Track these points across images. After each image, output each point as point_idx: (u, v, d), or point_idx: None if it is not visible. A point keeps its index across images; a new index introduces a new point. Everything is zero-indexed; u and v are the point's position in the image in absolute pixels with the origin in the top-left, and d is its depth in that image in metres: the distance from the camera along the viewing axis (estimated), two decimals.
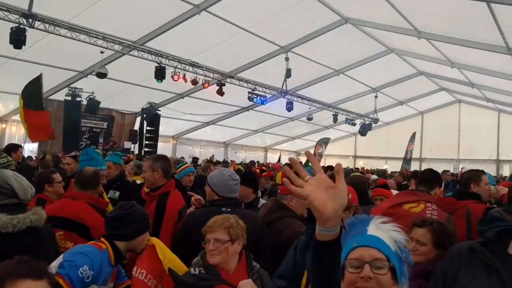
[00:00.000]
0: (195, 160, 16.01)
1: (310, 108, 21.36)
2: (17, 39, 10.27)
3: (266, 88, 17.90)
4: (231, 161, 18.57)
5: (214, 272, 2.53)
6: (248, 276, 2.55)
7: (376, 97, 21.81)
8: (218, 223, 2.59)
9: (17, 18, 10.28)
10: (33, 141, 8.46)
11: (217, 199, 3.49)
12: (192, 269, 2.60)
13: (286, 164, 3.39)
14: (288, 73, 15.71)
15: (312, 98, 20.22)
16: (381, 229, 1.68)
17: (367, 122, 24.50)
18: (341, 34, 14.65)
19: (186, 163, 7.56)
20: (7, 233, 2.56)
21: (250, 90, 17.39)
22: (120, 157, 6.34)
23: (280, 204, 3.70)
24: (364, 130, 24.36)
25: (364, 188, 5.06)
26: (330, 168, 10.20)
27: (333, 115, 22.24)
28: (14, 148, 7.02)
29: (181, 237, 3.50)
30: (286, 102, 18.84)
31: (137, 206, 2.82)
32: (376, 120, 24.55)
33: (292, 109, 19.30)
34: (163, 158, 3.99)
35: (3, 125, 17.51)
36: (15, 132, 17.23)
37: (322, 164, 21.11)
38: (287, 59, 15.50)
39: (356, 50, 16.63)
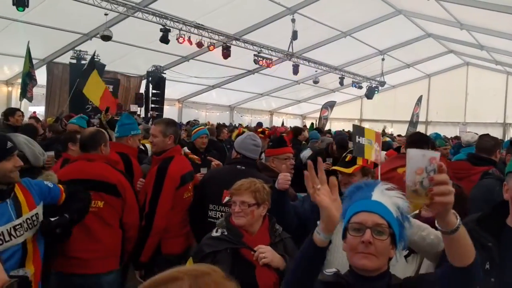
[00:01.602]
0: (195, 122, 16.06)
1: (316, 71, 21.17)
2: (20, 1, 10.14)
3: (272, 50, 17.71)
4: (239, 124, 18.62)
5: (237, 234, 2.59)
6: (271, 239, 2.63)
7: (383, 59, 21.53)
8: (244, 186, 2.65)
9: None
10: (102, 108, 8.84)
11: (234, 158, 3.63)
12: (214, 231, 2.67)
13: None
14: (294, 35, 15.50)
15: (318, 61, 20.02)
16: (385, 195, 1.75)
17: (373, 85, 24.29)
18: None
19: (199, 125, 7.56)
20: None
21: (255, 53, 17.22)
22: (86, 120, 6.23)
23: (264, 165, 3.94)
24: (370, 93, 24.19)
25: None
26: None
27: (339, 78, 22.06)
28: (11, 112, 7.10)
29: (198, 191, 3.68)
30: (292, 65, 18.70)
31: None
32: (382, 83, 24.33)
33: (298, 72, 19.15)
34: (174, 123, 4.00)
35: (9, 88, 17.54)
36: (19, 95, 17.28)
37: (327, 127, 21.13)
38: (293, 20, 15.25)
39: (364, 12, 16.31)
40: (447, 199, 1.41)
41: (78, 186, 3.05)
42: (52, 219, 2.64)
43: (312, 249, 1.61)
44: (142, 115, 18.43)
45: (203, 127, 6.57)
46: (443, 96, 26.32)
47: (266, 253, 2.49)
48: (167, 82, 19.21)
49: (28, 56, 10.78)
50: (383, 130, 20.73)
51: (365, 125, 29.36)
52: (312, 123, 16.90)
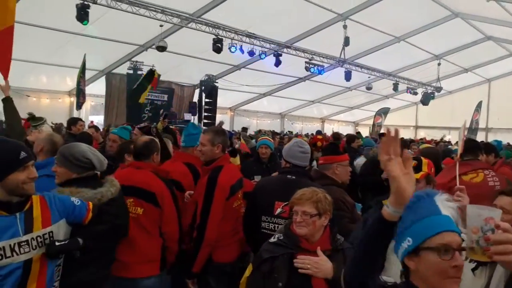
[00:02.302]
0: (244, 129, 16.19)
1: (369, 77, 20.81)
2: (82, 14, 10.72)
3: (323, 57, 17.59)
4: (288, 131, 18.53)
5: (294, 240, 2.58)
6: (331, 246, 2.61)
7: (439, 64, 20.81)
8: (306, 196, 2.62)
9: None
10: None
11: (284, 167, 3.59)
12: (272, 237, 2.68)
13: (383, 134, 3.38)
14: (346, 42, 15.31)
15: (371, 67, 19.67)
16: (447, 207, 1.65)
17: (429, 91, 23.54)
18: None
19: (265, 134, 7.50)
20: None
21: (307, 60, 17.17)
22: (129, 131, 6.13)
23: (320, 174, 3.83)
24: (426, 99, 23.44)
25: (438, 161, 4.86)
26: (382, 135, 9.92)
27: (393, 84, 21.56)
28: (73, 122, 7.40)
29: (250, 201, 3.67)
30: (344, 71, 18.48)
31: (1, 141, 2.34)
32: (439, 89, 23.50)
33: (350, 79, 18.88)
34: (223, 132, 3.96)
35: (72, 99, 18.45)
36: (83, 105, 18.11)
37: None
38: (345, 27, 15.08)
39: (418, 16, 15.88)
40: (508, 258, 1.35)
41: (109, 207, 2.86)
42: (58, 243, 2.41)
43: (381, 223, 1.55)
44: (196, 123, 18.79)
45: (266, 137, 6.48)
46: (505, 101, 24.96)
47: (306, 263, 2.48)
48: (219, 90, 19.52)
49: (82, 67, 11.29)
50: (441, 138, 20.01)
51: (421, 132, 28.58)
52: (359, 132, 16.61)
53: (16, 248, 2.22)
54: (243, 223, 3.72)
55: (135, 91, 10.22)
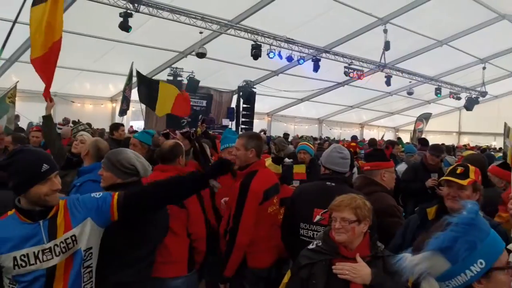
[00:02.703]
0: (285, 136, 16.10)
1: (410, 82, 20.41)
2: (125, 23, 11.03)
3: (363, 62, 17.36)
4: (327, 137, 18.34)
5: (333, 246, 2.56)
6: (371, 253, 2.56)
7: (484, 68, 20.15)
8: (345, 202, 2.59)
9: (124, 4, 11.00)
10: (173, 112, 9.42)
11: (323, 173, 3.53)
12: (311, 244, 2.67)
13: None
14: (387, 46, 15.06)
15: (412, 71, 19.27)
16: None
17: (473, 96, 22.81)
18: (445, 2, 13.67)
19: (305, 139, 7.45)
20: None
21: (346, 65, 16.99)
22: (152, 136, 6.05)
23: (370, 180, 3.74)
24: (470, 104, 22.71)
25: (484, 168, 4.63)
26: (421, 140, 9.67)
27: (435, 88, 21.03)
28: (116, 127, 7.56)
29: (288, 207, 3.61)
30: (385, 76, 18.18)
31: (24, 153, 2.28)
32: (484, 94, 22.73)
33: (391, 83, 18.55)
34: (257, 137, 3.92)
35: (113, 104, 19.01)
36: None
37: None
38: (385, 31, 14.84)
39: (462, 19, 15.41)
40: None
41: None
42: None
43: None
44: (234, 128, 18.92)
45: (305, 143, 6.42)
46: None
47: (344, 270, 2.43)
48: (257, 96, 19.62)
49: (129, 75, 11.58)
50: (488, 146, 19.30)
51: (464, 138, 27.69)
52: (400, 138, 16.23)
53: (40, 256, 2.22)
54: (281, 230, 3.68)
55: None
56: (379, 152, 4.25)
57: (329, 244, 2.58)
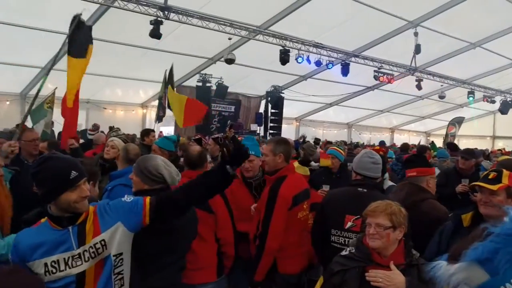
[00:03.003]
0: (316, 141, 16.01)
1: (442, 85, 20.00)
2: (156, 31, 11.22)
3: (393, 65, 17.13)
4: (358, 142, 18.14)
5: (366, 253, 2.53)
6: (405, 261, 2.52)
7: None
8: (380, 208, 2.56)
9: (155, 12, 11.20)
10: (185, 126, 9.44)
11: (354, 179, 3.50)
12: (344, 250, 2.65)
13: None
14: (417, 49, 14.84)
15: (444, 75, 18.91)
16: None
17: (508, 99, 22.18)
18: (478, 3, 13.35)
19: (335, 144, 7.37)
20: None
21: (375, 69, 16.81)
22: (174, 141, 5.99)
23: (418, 187, 3.65)
24: (505, 107, 22.11)
25: None
26: (451, 145, 9.44)
27: (468, 92, 20.55)
28: (146, 133, 7.70)
29: (318, 213, 3.59)
30: (415, 79, 17.89)
31: (53, 160, 2.26)
32: None
33: (422, 87, 18.23)
34: (285, 142, 3.92)
35: (144, 110, 19.33)
36: (154, 117, 18.92)
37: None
38: (416, 34, 14.61)
39: (497, 20, 15.00)
40: None
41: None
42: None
43: None
44: (262, 133, 18.95)
45: (335, 147, 6.35)
46: None
47: (377, 277, 2.39)
48: (285, 101, 19.60)
49: (164, 82, 11.74)
50: None
51: (499, 143, 26.90)
52: (433, 141, 15.89)
53: (70, 262, 2.22)
54: (311, 236, 3.66)
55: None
56: (421, 158, 4.16)
57: (362, 250, 2.55)
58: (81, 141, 7.78)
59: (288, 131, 20.94)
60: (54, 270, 2.20)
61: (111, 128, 8.08)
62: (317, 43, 14.77)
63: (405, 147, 10.76)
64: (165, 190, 3.01)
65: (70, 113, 5.35)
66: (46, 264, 2.18)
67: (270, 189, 3.62)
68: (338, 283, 2.53)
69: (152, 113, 19.06)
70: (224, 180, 2.43)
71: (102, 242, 2.28)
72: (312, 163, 6.16)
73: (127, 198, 2.44)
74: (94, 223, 2.30)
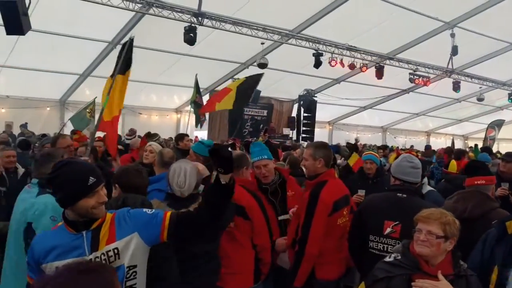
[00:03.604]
0: (349, 145, 15.79)
1: (480, 87, 19.43)
2: (190, 37, 11.37)
3: (429, 68, 16.78)
4: (396, 147, 17.78)
5: (413, 261, 2.45)
6: (454, 271, 2.44)
7: None
8: (435, 216, 2.49)
9: (189, 18, 11.35)
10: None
11: (393, 184, 3.43)
12: (388, 257, 2.58)
13: None
14: (454, 51, 14.46)
15: (483, 77, 18.37)
16: None
17: None
18: None
19: (369, 148, 7.25)
20: None
21: (411, 71, 16.50)
22: (209, 147, 5.96)
23: (486, 195, 3.51)
24: None
25: None
26: (486, 149, 9.07)
27: (508, 94, 19.89)
28: (181, 138, 7.78)
29: (356, 219, 3.53)
30: (452, 82, 17.47)
31: (70, 165, 2.23)
32: None
33: (459, 89, 17.77)
34: (324, 146, 3.86)
35: (178, 115, 19.62)
36: (188, 121, 19.15)
37: (495, 149, 19.06)
38: (452, 35, 14.25)
39: None
40: None
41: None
42: None
43: None
44: (294, 137, 18.89)
45: (370, 152, 6.23)
46: None
47: (425, 287, 2.31)
48: (318, 104, 19.47)
49: (196, 87, 11.90)
50: None
51: None
52: (476, 145, 15.38)
53: None
54: (348, 241, 3.60)
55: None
56: (482, 164, 4.01)
57: (409, 258, 2.47)
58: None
59: (321, 135, 20.78)
60: None
61: (149, 135, 8.21)
62: (351, 46, 14.63)
63: (450, 150, 10.26)
64: (188, 196, 3.04)
65: (109, 127, 5.54)
66: (57, 268, 2.13)
67: (310, 193, 3.57)
68: None
69: (185, 118, 19.32)
70: (221, 192, 2.27)
71: (115, 251, 2.22)
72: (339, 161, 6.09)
73: (149, 210, 2.36)
74: (110, 229, 2.25)
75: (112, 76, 5.61)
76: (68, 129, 11.97)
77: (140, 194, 3.32)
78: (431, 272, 2.39)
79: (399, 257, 2.49)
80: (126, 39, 12.47)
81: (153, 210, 2.35)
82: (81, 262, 1.36)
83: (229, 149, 2.20)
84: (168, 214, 2.30)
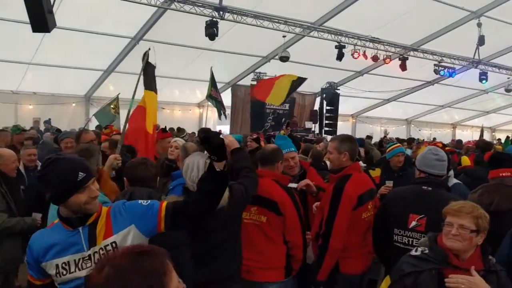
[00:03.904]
0: (368, 138, 15.63)
1: (508, 78, 18.94)
2: (211, 31, 11.39)
3: (454, 59, 16.43)
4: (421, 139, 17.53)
5: (442, 254, 2.41)
6: (484, 267, 2.40)
7: None
8: (466, 209, 2.45)
9: (210, 12, 11.36)
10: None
11: (418, 177, 3.38)
12: (414, 250, 2.53)
13: None
14: (481, 41, 14.08)
15: (511, 67, 17.84)
16: None
17: None
18: None
19: (395, 142, 7.18)
20: None
21: (436, 63, 16.18)
22: (238, 141, 5.95)
23: None
24: None
25: None
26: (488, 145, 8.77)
27: None
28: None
29: (380, 212, 3.51)
30: (479, 72, 17.04)
31: (58, 162, 2.16)
32: None
33: (486, 80, 17.33)
34: (350, 140, 3.84)
35: (201, 110, 19.72)
36: (210, 116, 19.24)
37: None
38: (479, 25, 13.87)
39: None
40: None
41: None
42: None
43: None
44: (317, 131, 18.76)
45: (399, 144, 6.17)
46: None
47: (459, 283, 2.25)
48: (340, 97, 19.30)
49: (211, 80, 11.92)
50: None
51: None
52: (508, 136, 14.97)
53: (80, 264, 2.15)
54: (372, 235, 3.56)
55: None
56: (508, 156, 3.90)
57: (437, 252, 2.42)
58: None
59: (344, 128, 20.59)
60: (64, 272, 2.15)
61: (179, 130, 8.30)
62: (374, 37, 14.42)
63: (484, 143, 9.61)
64: None
65: (150, 140, 5.64)
66: (57, 266, 2.15)
67: (335, 187, 3.56)
68: (411, 284, 2.41)
69: (208, 112, 19.40)
70: (216, 180, 2.23)
71: (113, 245, 2.19)
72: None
73: (144, 201, 2.31)
74: (106, 224, 2.22)
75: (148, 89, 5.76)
76: (93, 124, 12.21)
77: (147, 187, 3.33)
78: (462, 266, 2.34)
79: (427, 251, 2.44)
80: (148, 34, 12.66)
81: (149, 201, 2.31)
82: (135, 245, 1.42)
83: (221, 136, 2.17)
84: (164, 204, 2.27)
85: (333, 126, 19.11)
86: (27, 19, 7.52)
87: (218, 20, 11.49)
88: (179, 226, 2.32)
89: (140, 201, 2.33)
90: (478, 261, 2.39)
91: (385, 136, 15.50)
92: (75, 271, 2.15)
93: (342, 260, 3.52)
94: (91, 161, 3.62)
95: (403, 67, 15.49)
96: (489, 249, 2.48)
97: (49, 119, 14.05)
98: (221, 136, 2.13)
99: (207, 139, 2.15)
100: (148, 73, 5.77)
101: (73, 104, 16.37)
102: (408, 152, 8.40)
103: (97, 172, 3.77)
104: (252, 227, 3.48)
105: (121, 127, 9.53)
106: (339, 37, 13.86)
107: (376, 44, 14.66)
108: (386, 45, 14.89)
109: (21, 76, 14.26)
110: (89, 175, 2.16)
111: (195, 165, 3.01)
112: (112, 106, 10.34)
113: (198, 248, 2.93)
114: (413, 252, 2.51)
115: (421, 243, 2.54)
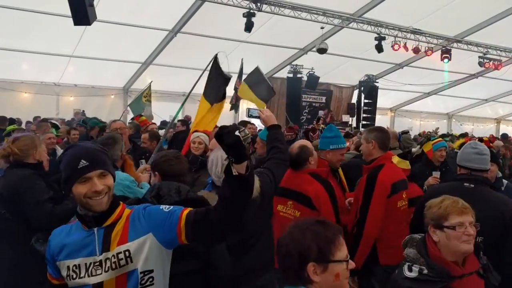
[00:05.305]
0: (405, 133, 15.19)
1: None
2: (248, 23, 11.34)
3: (500, 50, 15.78)
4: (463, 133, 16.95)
5: (442, 271, 2.20)
6: (480, 263, 2.29)
7: None
8: (465, 205, 2.33)
9: (247, 4, 11.31)
10: None
11: (459, 173, 3.25)
12: (406, 270, 2.29)
13: None
14: None
15: None
16: None
17: None
18: None
19: (436, 136, 7.03)
20: None
21: (480, 55, 15.58)
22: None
23: None
24: None
25: None
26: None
27: None
28: (243, 125, 7.85)
29: (418, 211, 3.36)
30: None
31: (71, 149, 2.03)
32: None
33: None
34: (378, 129, 3.92)
35: (237, 103, 19.68)
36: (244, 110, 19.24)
37: None
38: None
39: None
40: None
41: None
42: None
43: None
44: (354, 125, 18.48)
45: (440, 139, 6.00)
46: None
47: None
48: (379, 90, 18.92)
49: (240, 71, 11.90)
50: None
51: None
52: None
53: (90, 269, 1.95)
54: (410, 228, 3.47)
55: None
56: None
57: (437, 269, 2.19)
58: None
59: (383, 122, 20.15)
60: (74, 275, 1.96)
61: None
62: (415, 29, 14.01)
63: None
64: None
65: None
66: (68, 267, 1.98)
67: (367, 177, 3.61)
68: None
69: (244, 106, 19.40)
70: (235, 185, 1.85)
71: (127, 253, 1.95)
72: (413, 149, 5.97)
73: (166, 207, 2.04)
74: (123, 228, 1.99)
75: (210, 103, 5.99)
76: (130, 115, 12.42)
77: (180, 182, 3.27)
78: (466, 272, 2.19)
79: (425, 271, 2.20)
80: (186, 27, 12.70)
81: (171, 207, 2.03)
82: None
83: (237, 132, 1.78)
84: (185, 213, 1.97)
85: (371, 120, 18.78)
86: (69, 12, 7.70)
87: (256, 12, 11.42)
88: (202, 237, 2.02)
89: (162, 206, 2.07)
90: (474, 260, 2.27)
91: (436, 131, 15.10)
92: (84, 276, 1.95)
93: (382, 251, 3.51)
94: (115, 147, 3.77)
95: (445, 59, 15.02)
96: (481, 245, 2.33)
97: (83, 110, 14.38)
98: (236, 133, 1.76)
99: (220, 137, 1.80)
100: (212, 82, 5.85)
101: (112, 96, 16.70)
102: None
103: (121, 158, 3.90)
104: (287, 221, 3.43)
105: (151, 116, 9.62)
106: (379, 28, 13.55)
107: (417, 36, 14.25)
108: (428, 36, 14.44)
109: (63, 69, 14.64)
110: (94, 165, 1.94)
111: (219, 160, 2.90)
112: (144, 94, 10.47)
113: (234, 238, 2.88)
114: (407, 273, 2.26)
115: (412, 258, 2.30)
